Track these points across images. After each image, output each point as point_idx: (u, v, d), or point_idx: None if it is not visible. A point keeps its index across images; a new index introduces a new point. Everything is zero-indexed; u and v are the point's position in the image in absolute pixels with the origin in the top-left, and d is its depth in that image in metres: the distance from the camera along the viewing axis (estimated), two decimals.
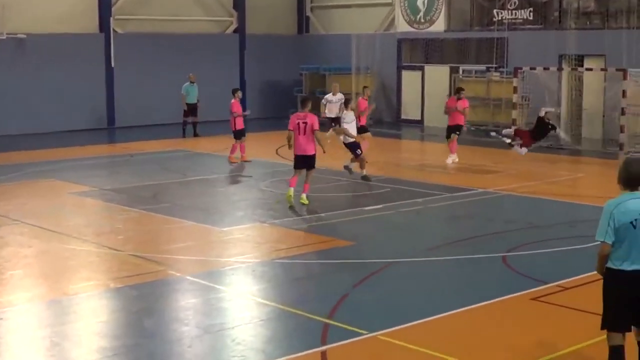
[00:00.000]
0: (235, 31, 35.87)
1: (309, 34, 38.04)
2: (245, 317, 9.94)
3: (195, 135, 29.15)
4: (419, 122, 33.12)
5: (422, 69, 33.26)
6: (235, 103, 22.99)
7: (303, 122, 16.49)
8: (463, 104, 23.02)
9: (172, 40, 33.62)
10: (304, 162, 16.66)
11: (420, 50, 33.59)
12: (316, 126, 16.51)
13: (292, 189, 16.58)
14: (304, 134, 16.52)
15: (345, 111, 20.05)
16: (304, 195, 16.73)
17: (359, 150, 19.32)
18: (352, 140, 19.30)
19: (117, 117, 32.39)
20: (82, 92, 31.05)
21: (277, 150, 25.00)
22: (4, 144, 27.35)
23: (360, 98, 23.75)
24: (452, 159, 22.70)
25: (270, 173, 20.86)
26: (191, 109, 29.38)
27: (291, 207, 16.24)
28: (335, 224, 15.09)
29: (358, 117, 21.00)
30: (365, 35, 33.81)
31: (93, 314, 10.14)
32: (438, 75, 32.41)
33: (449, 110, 23.25)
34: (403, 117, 33.90)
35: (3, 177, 20.52)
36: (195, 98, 29.33)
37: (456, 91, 24.31)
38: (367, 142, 21.63)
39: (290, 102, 35.11)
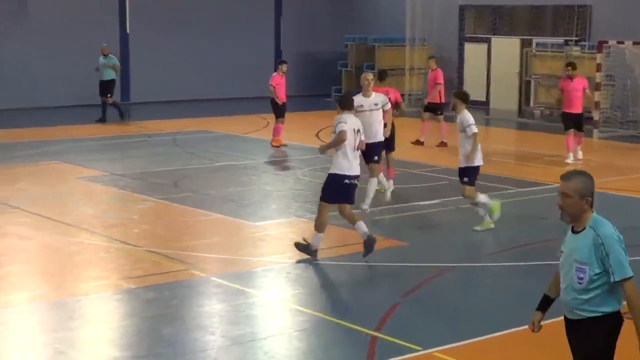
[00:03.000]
0: None
1: None
2: (279, 327, 9.93)
3: (121, 116, 27.64)
4: (484, 104, 32.91)
5: (488, 41, 33.03)
6: (275, 76, 23.04)
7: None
8: (581, 83, 21.03)
9: (197, 2, 33.72)
10: (385, 144, 16.62)
11: (487, 20, 33.38)
12: (399, 100, 17.38)
13: (389, 180, 16.80)
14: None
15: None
16: (390, 182, 16.93)
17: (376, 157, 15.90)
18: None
19: (133, 91, 32.62)
20: (91, 61, 31.26)
21: (318, 133, 25.00)
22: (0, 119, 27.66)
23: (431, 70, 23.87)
24: (574, 156, 21.18)
25: (309, 160, 20.87)
26: (104, 87, 27.74)
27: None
28: (385, 220, 15.06)
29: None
30: (422, 1, 33.65)
31: (103, 319, 10.20)
32: (507, 49, 32.18)
33: (565, 94, 21.15)
34: None
35: (1, 158, 20.73)
36: (111, 74, 27.73)
37: (566, 68, 21.51)
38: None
39: (332, 77, 35.10)
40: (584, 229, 6.19)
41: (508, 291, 11.56)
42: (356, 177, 12.50)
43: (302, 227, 14.42)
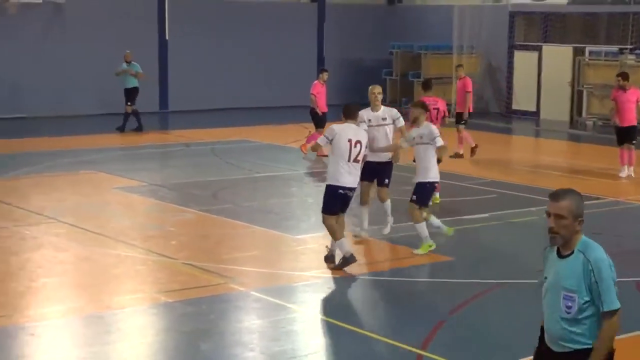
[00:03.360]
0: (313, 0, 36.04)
1: (401, 5, 37.95)
2: (320, 344, 9.93)
3: (139, 128, 27.41)
4: (534, 115, 32.75)
5: (539, 49, 32.86)
6: (317, 85, 23.12)
7: (434, 108, 16.76)
8: (635, 94, 20.54)
9: (237, 9, 33.88)
10: None
11: (538, 27, 33.21)
12: (446, 111, 17.45)
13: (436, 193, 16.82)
14: (436, 121, 16.79)
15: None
16: (437, 195, 16.97)
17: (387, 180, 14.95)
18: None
19: (171, 99, 32.80)
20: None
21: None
22: (35, 127, 27.90)
23: (459, 81, 23.77)
24: (628, 171, 20.77)
25: None
26: (127, 95, 27.61)
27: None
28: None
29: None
30: (470, 7, 33.58)
31: (139, 333, 10.25)
32: (559, 57, 31.99)
33: (617, 106, 20.72)
34: (514, 107, 33.57)
35: (38, 167, 20.92)
36: (134, 82, 27.57)
37: (617, 78, 21.05)
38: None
39: (376, 81, 35.03)
40: (571, 252, 5.85)
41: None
42: (350, 189, 12.66)
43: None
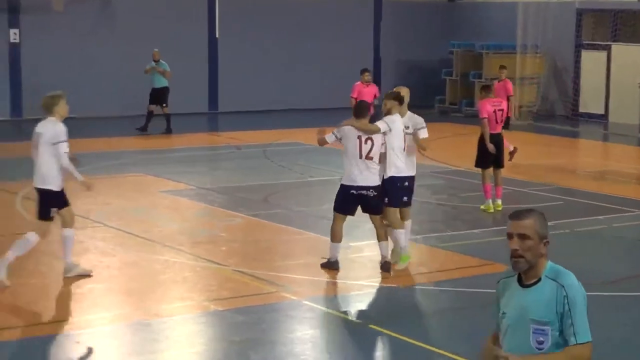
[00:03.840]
0: None
1: (462, 2, 37.85)
2: (375, 356, 9.93)
3: (169, 131, 27.36)
4: (602, 117, 32.49)
5: (608, 48, 32.60)
6: (357, 86, 23.06)
7: (499, 109, 16.81)
8: None
9: (290, 7, 34.00)
10: (496, 159, 16.77)
11: (607, 25, 32.92)
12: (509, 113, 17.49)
13: (489, 201, 16.87)
14: (500, 122, 16.97)
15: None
16: (499, 201, 17.00)
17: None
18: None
19: (221, 99, 32.98)
20: (177, 68, 31.64)
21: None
22: (78, 127, 28.13)
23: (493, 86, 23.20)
24: None
25: None
26: (154, 96, 27.63)
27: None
28: (491, 243, 14.94)
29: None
30: (535, 4, 33.38)
31: (187, 342, 10.34)
32: (630, 57, 31.71)
33: None
34: (581, 110, 33.32)
35: (82, 169, 21.08)
36: (163, 81, 27.50)
37: None
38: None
39: (436, 87, 35.00)
40: (538, 280, 5.40)
41: (627, 324, 11.36)
42: (365, 187, 12.67)
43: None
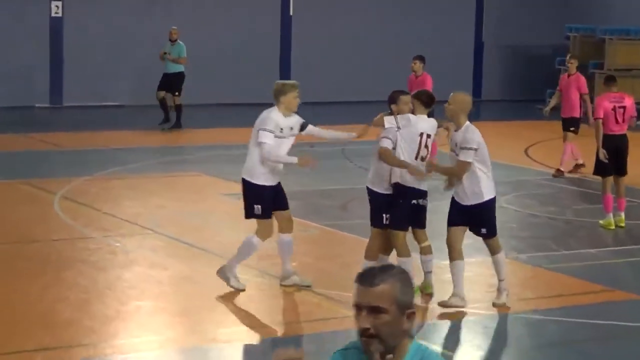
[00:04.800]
0: None
1: None
2: None
3: (178, 125, 27.00)
4: None
5: None
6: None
7: (620, 107, 16.55)
8: None
9: None
10: (617, 165, 16.53)
11: None
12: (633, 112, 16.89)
13: (610, 215, 16.60)
14: (622, 121, 16.68)
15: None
16: (621, 215, 16.77)
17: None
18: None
19: None
20: (249, 49, 31.73)
21: (527, 149, 24.74)
22: (126, 117, 28.41)
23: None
24: None
25: (515, 183, 20.67)
26: (165, 82, 27.19)
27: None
28: (611, 265, 14.76)
29: None
30: None
31: None
32: None
33: None
34: None
35: (130, 166, 21.28)
36: (178, 66, 27.06)
37: None
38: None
39: (548, 77, 34.69)
40: None
41: None
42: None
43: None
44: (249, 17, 31.57)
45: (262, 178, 12.74)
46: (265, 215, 12.73)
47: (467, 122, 12.27)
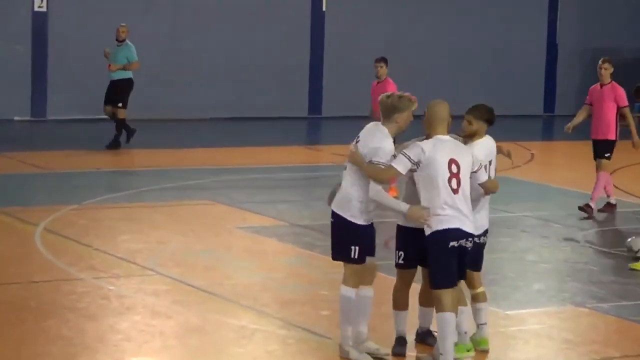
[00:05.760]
0: None
1: None
2: None
3: (116, 144, 26.85)
4: None
5: None
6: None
7: None
8: None
9: None
10: None
11: None
12: None
13: None
14: None
15: None
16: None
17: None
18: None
19: (326, 100, 32.98)
20: (276, 50, 31.77)
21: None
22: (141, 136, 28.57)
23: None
24: None
25: (597, 216, 20.54)
26: (111, 90, 27.14)
27: None
28: None
29: None
30: None
31: None
32: None
33: None
34: None
35: (129, 192, 21.30)
36: (123, 72, 26.92)
37: None
38: None
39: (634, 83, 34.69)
40: None
41: None
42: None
43: (582, 322, 14.22)
44: (278, 14, 31.63)
45: (358, 215, 12.35)
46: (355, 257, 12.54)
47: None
